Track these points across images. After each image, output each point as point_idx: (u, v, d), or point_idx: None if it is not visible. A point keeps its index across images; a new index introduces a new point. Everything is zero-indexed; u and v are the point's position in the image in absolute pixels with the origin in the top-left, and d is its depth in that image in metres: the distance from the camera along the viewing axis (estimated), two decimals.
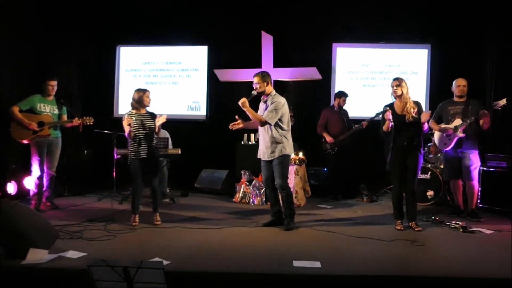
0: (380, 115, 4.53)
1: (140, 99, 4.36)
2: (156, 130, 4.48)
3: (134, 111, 4.39)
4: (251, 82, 4.36)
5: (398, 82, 4.28)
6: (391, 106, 4.37)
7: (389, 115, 4.23)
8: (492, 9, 6.15)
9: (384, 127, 4.33)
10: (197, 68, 7.38)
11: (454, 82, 4.98)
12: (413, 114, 4.19)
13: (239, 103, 4.18)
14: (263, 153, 4.37)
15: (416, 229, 4.25)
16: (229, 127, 4.39)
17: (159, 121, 4.45)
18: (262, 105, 4.43)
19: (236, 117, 4.41)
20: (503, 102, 4.55)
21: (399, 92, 4.26)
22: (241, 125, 4.39)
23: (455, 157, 4.93)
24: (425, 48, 7.04)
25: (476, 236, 4.15)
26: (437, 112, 5.08)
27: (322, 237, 4.02)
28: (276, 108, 4.21)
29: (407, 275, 3.01)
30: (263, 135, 4.35)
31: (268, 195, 4.59)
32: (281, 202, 4.39)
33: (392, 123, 4.23)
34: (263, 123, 4.23)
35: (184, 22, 7.11)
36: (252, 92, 4.32)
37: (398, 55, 7.12)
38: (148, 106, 4.43)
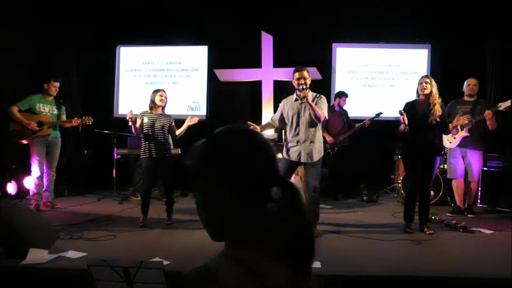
0: (380, 115, 4.51)
1: (152, 99, 4.45)
2: (177, 132, 4.48)
3: (148, 111, 4.45)
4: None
5: (428, 79, 4.05)
6: (412, 104, 4.15)
7: (404, 119, 4.02)
8: (492, 9, 6.14)
9: (401, 128, 4.14)
10: (197, 68, 7.37)
11: (465, 81, 5.01)
12: (437, 118, 3.97)
13: (302, 95, 3.96)
14: (306, 153, 3.99)
15: (427, 232, 4.05)
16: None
17: (190, 122, 4.50)
18: (294, 104, 4.17)
19: (248, 122, 4.21)
20: (507, 103, 4.53)
21: (428, 90, 4.02)
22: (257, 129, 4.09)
23: (459, 156, 4.94)
24: (425, 48, 7.04)
25: (476, 236, 4.14)
26: (446, 111, 5.07)
27: (322, 237, 4.01)
28: (326, 104, 4.11)
29: (407, 275, 3.01)
30: (306, 134, 4.00)
31: None
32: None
33: (407, 127, 4.03)
34: (323, 119, 4.02)
35: (184, 22, 7.10)
36: (303, 87, 4.06)
37: (398, 55, 7.11)
38: (160, 105, 4.44)
